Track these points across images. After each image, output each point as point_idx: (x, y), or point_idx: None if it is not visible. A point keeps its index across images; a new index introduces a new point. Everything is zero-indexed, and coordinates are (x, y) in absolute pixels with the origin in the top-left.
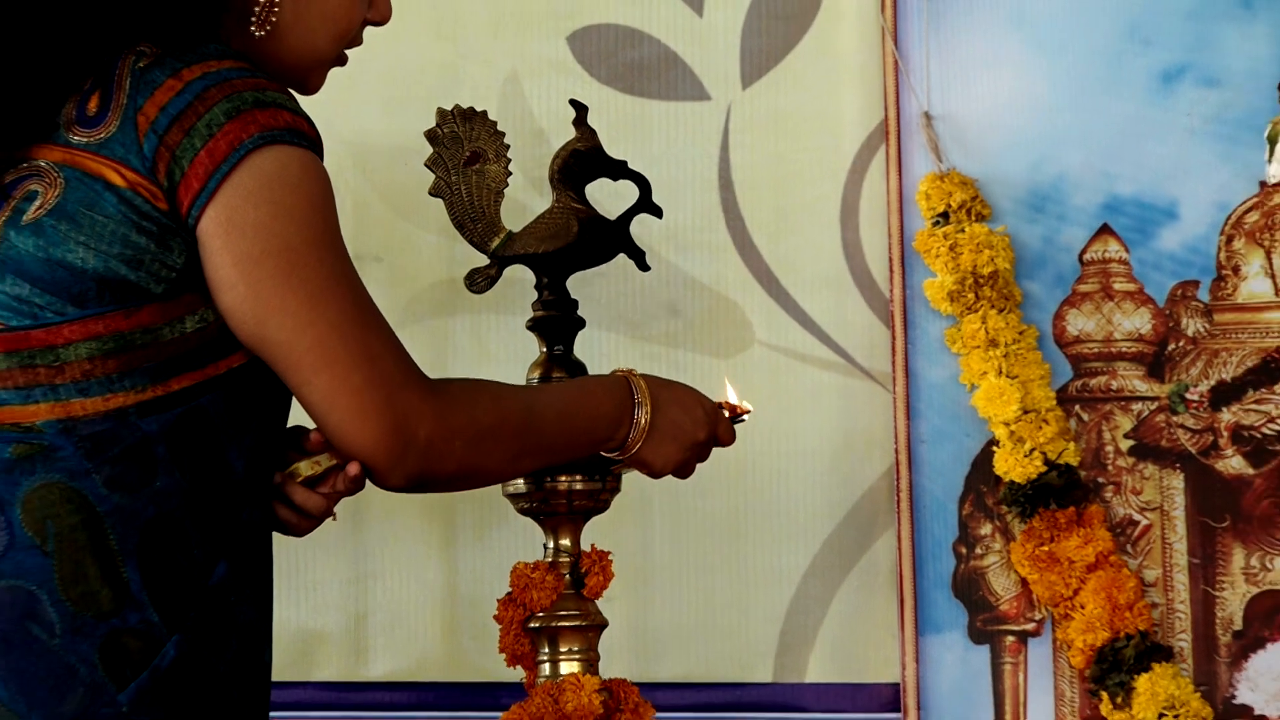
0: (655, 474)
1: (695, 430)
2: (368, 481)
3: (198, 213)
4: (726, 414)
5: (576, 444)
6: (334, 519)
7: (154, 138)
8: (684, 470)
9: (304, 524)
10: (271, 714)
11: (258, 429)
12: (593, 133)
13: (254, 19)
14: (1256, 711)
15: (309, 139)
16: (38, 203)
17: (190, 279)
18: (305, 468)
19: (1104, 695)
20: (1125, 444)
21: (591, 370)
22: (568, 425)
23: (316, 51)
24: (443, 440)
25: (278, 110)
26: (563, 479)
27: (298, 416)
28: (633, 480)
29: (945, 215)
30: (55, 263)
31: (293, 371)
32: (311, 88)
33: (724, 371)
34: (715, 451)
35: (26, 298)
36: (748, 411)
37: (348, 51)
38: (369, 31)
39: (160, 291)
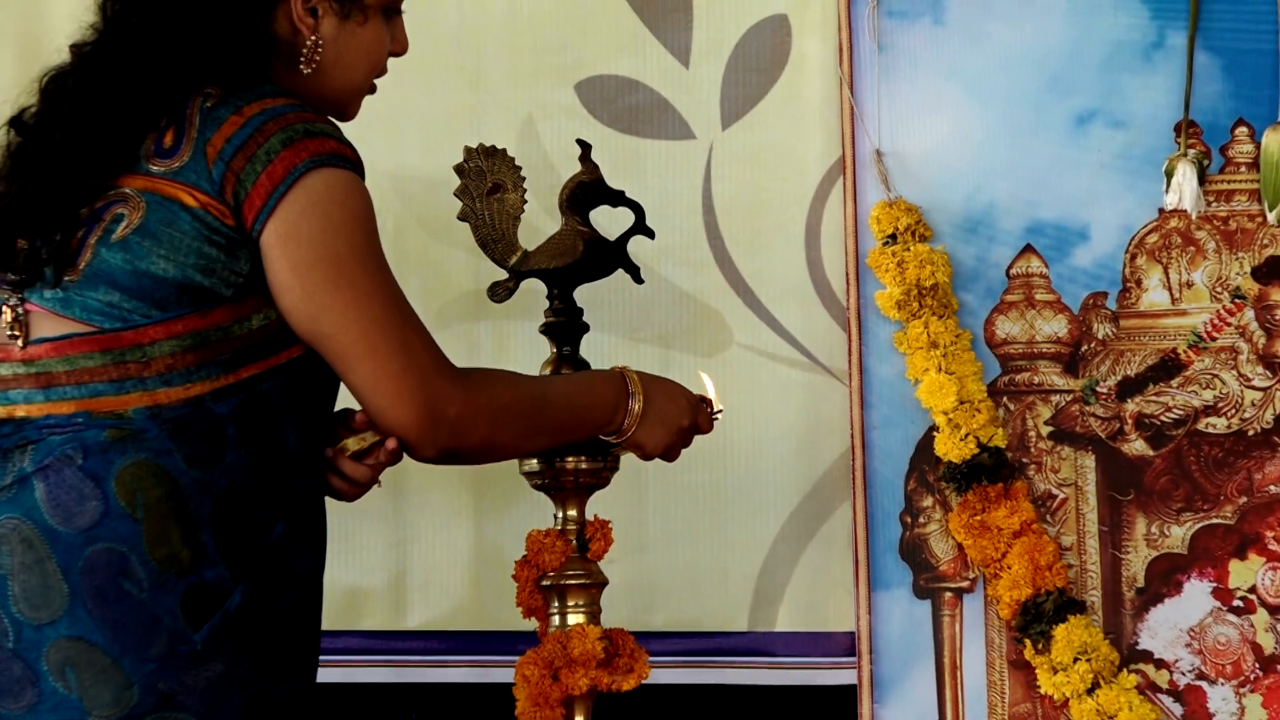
0: (647, 455)
1: (680, 417)
2: (405, 455)
3: (260, 226)
4: (706, 408)
5: (580, 426)
6: (379, 486)
7: (221, 165)
8: (671, 453)
9: (353, 491)
10: (321, 658)
11: (310, 410)
12: (595, 167)
13: (302, 59)
14: (1156, 656)
15: (352, 162)
16: (124, 223)
17: (255, 284)
18: (353, 443)
19: (1028, 642)
20: (1045, 430)
21: (594, 364)
22: (573, 409)
23: (354, 82)
24: (468, 419)
25: (325, 139)
26: (570, 460)
27: (345, 400)
28: (629, 460)
29: (894, 236)
30: (140, 273)
31: (340, 360)
32: (350, 114)
33: (707, 370)
34: (699, 436)
35: (117, 304)
36: (720, 410)
37: (376, 82)
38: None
39: (229, 295)
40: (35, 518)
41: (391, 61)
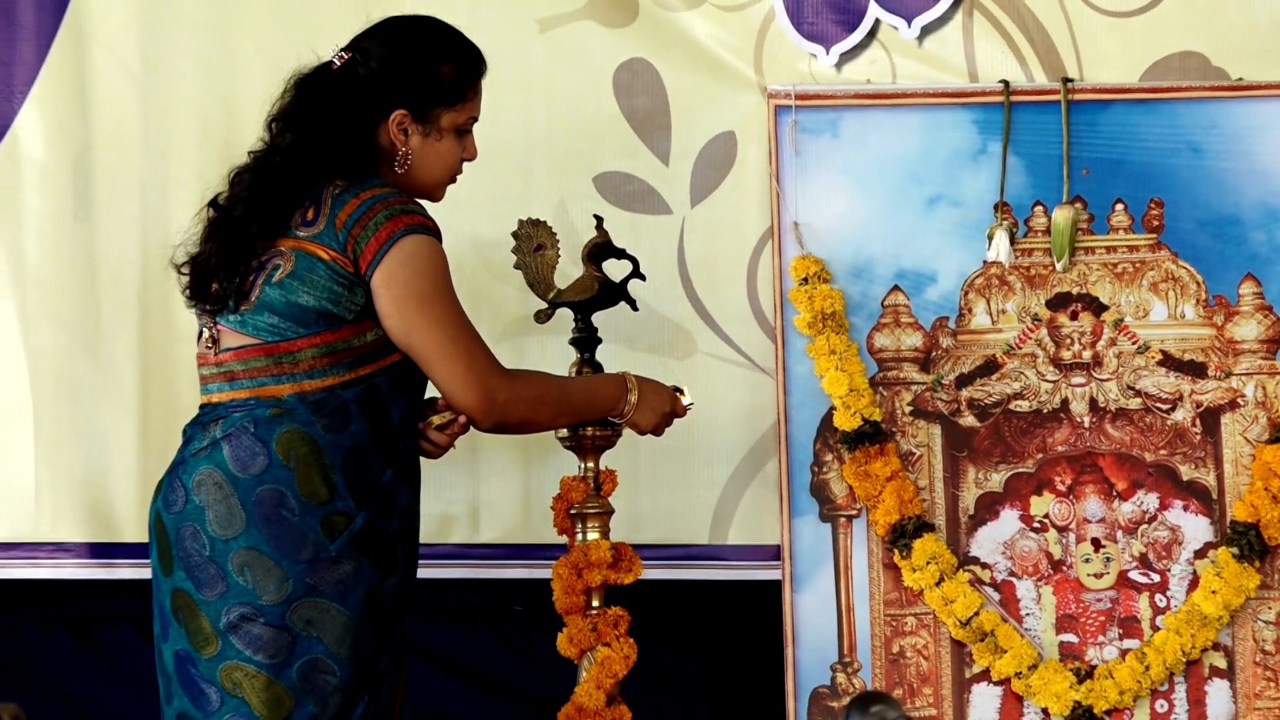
0: (641, 431)
1: (663, 406)
2: (471, 428)
3: (370, 273)
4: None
5: (593, 411)
6: (454, 449)
7: (345, 231)
8: (657, 431)
9: (437, 452)
10: (421, 561)
11: (408, 396)
12: (606, 233)
13: (396, 162)
14: (981, 560)
15: (433, 230)
16: (280, 270)
17: (368, 311)
18: (437, 420)
19: (896, 551)
20: (907, 409)
21: (605, 367)
22: (588, 400)
23: (434, 179)
24: (512, 403)
25: (414, 215)
26: (589, 429)
27: (431, 390)
28: (629, 431)
29: (806, 280)
30: (292, 304)
31: (425, 363)
32: (436, 199)
33: (681, 370)
34: (678, 421)
35: (276, 324)
36: (692, 403)
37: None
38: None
39: (351, 318)
40: (223, 468)
41: (469, 161)
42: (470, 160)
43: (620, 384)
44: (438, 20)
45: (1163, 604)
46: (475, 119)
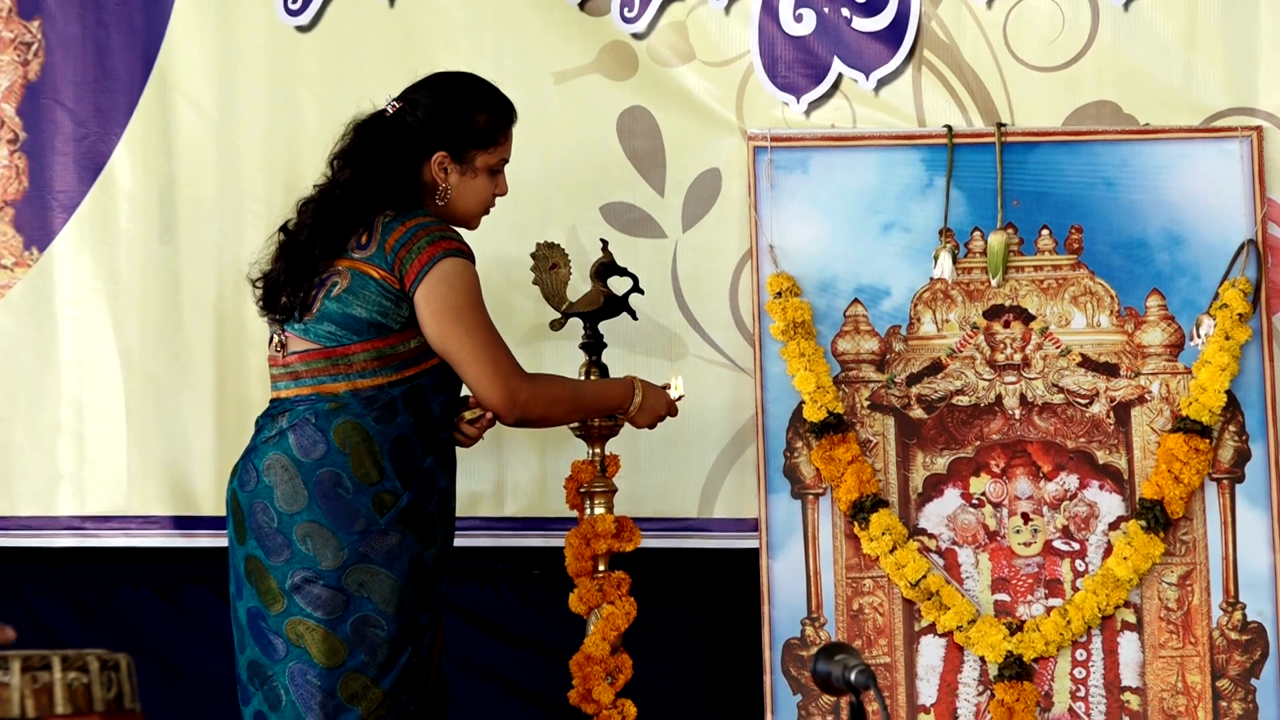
0: (637, 426)
1: (660, 410)
2: (497, 422)
3: (413, 290)
4: (673, 396)
5: (602, 410)
6: (483, 439)
7: (392, 254)
8: (650, 427)
9: (469, 442)
10: (456, 533)
11: (446, 393)
12: (611, 254)
13: (438, 196)
14: (929, 531)
15: (467, 254)
16: (338, 286)
17: (411, 321)
18: (469, 415)
19: (856, 524)
20: (866, 403)
21: (610, 367)
22: (597, 400)
23: (470, 211)
24: (532, 401)
25: (451, 241)
26: (596, 421)
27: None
28: None
29: (780, 294)
30: (347, 315)
31: (459, 367)
32: (473, 227)
33: (673, 370)
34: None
35: (334, 332)
36: (682, 396)
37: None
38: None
39: (398, 327)
40: (289, 453)
41: (501, 196)
42: (502, 196)
43: (629, 387)
44: (476, 76)
45: (1082, 568)
46: (506, 160)
